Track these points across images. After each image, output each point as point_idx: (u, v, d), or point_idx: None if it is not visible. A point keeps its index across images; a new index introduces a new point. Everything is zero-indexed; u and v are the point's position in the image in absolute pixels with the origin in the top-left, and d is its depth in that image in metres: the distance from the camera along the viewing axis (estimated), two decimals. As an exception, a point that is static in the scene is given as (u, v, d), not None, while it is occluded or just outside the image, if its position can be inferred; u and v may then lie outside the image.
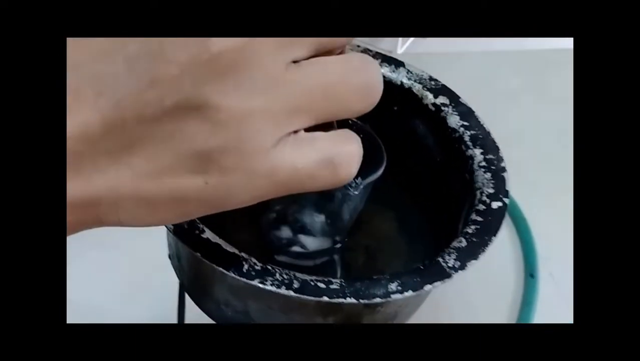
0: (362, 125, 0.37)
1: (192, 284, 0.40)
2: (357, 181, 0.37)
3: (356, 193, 0.36)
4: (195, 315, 0.51)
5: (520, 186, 0.75)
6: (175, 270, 0.42)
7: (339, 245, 0.39)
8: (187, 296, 0.47)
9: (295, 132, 0.25)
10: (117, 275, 0.63)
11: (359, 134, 0.36)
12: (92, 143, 0.24)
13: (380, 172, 0.36)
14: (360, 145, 0.28)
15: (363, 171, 0.36)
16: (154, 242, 0.45)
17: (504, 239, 0.72)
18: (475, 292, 0.67)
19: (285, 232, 0.39)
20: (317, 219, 0.39)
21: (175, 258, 0.41)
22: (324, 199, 0.37)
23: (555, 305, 0.65)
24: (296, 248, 0.39)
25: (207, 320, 0.51)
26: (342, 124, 0.36)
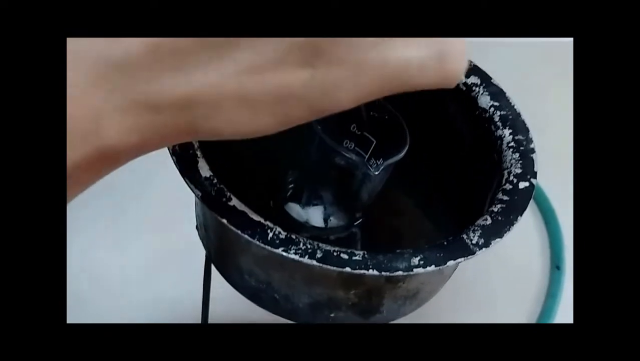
0: (386, 105, 0.37)
1: (217, 254, 0.41)
2: (377, 162, 0.37)
3: (376, 173, 0.36)
4: (220, 290, 0.52)
5: (549, 178, 0.74)
6: (202, 241, 0.42)
7: (357, 222, 0.39)
8: (213, 271, 0.48)
9: None
10: (145, 250, 0.64)
11: (383, 115, 0.37)
12: (195, 38, 0.23)
13: (401, 154, 0.36)
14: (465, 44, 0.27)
15: (384, 152, 0.36)
16: (181, 217, 0.45)
17: (531, 230, 0.71)
18: (500, 282, 0.66)
19: (304, 208, 0.39)
20: (336, 197, 0.39)
21: (202, 228, 0.41)
22: (344, 177, 0.37)
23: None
24: (315, 224, 0.39)
25: (231, 295, 0.52)
26: (368, 104, 0.36)
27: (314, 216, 0.39)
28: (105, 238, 0.64)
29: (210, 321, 0.56)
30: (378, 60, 0.24)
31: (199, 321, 0.56)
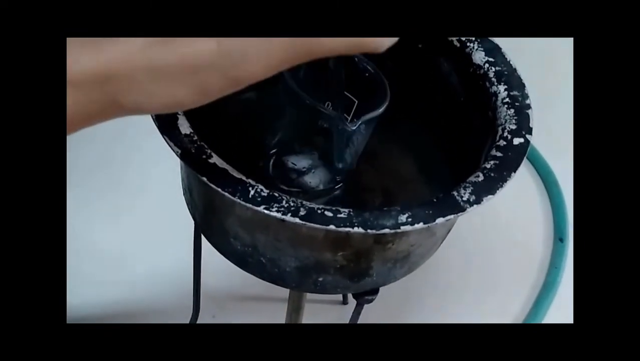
0: (366, 63, 0.35)
1: (202, 218, 0.39)
2: (354, 118, 0.36)
3: (353, 128, 0.34)
4: (209, 258, 0.51)
5: (554, 151, 0.73)
6: (188, 206, 0.41)
7: (339, 185, 0.38)
8: (205, 242, 0.47)
9: None
10: (136, 222, 0.63)
11: (363, 73, 0.35)
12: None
13: (380, 110, 0.34)
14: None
15: (367, 110, 0.35)
16: (172, 189, 0.44)
17: (535, 203, 0.70)
18: (504, 255, 0.65)
19: (285, 171, 0.38)
20: (319, 157, 0.38)
21: (188, 192, 0.40)
22: (324, 136, 0.36)
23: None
24: (297, 187, 0.38)
25: (221, 263, 0.51)
26: (348, 61, 0.34)
27: (297, 179, 0.38)
28: (100, 212, 0.63)
29: (202, 293, 0.55)
30: None
31: (191, 293, 0.55)
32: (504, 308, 0.61)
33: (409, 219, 0.31)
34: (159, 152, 0.59)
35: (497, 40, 0.40)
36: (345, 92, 0.35)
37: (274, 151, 0.38)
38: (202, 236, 0.45)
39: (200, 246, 0.49)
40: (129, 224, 0.63)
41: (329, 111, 0.34)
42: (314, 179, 0.38)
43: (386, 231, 0.31)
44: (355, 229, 0.31)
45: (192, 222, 0.47)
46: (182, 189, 0.41)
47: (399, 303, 0.60)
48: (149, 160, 0.66)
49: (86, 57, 0.25)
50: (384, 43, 0.26)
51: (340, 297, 0.60)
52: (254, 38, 0.24)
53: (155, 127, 0.33)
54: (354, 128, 0.34)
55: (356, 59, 0.35)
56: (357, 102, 0.35)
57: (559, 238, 0.66)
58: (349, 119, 0.36)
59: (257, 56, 0.25)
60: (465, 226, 0.65)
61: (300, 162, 0.37)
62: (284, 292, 0.49)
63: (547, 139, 0.71)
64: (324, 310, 0.59)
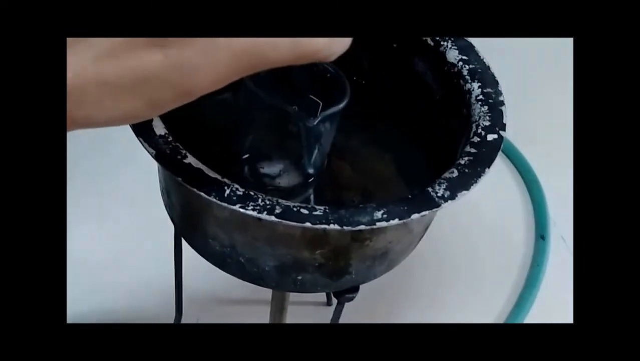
0: (327, 64, 0.36)
1: (181, 220, 0.39)
2: (306, 115, 0.36)
3: (314, 123, 0.35)
4: (191, 263, 0.51)
5: (534, 150, 0.73)
6: (166, 208, 0.41)
7: (311, 180, 0.38)
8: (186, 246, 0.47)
9: None
10: (116, 229, 0.63)
11: (325, 73, 0.36)
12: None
13: (340, 106, 0.35)
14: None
15: (327, 109, 0.35)
16: (151, 195, 0.44)
17: (516, 202, 0.71)
18: (485, 252, 0.66)
19: (257, 177, 0.38)
20: (287, 155, 0.38)
21: (165, 195, 0.40)
22: (290, 138, 0.36)
23: (565, 267, 0.63)
24: (270, 187, 0.38)
25: (203, 267, 0.51)
26: (309, 67, 0.35)
27: (270, 181, 0.38)
28: (79, 220, 0.63)
29: (185, 297, 0.55)
30: (226, 38, 0.24)
31: (173, 297, 0.55)
32: (487, 306, 0.61)
33: (384, 215, 0.32)
34: (136, 158, 0.59)
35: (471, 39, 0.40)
36: (310, 95, 0.36)
37: (246, 156, 0.38)
38: (182, 239, 0.45)
39: (181, 249, 0.49)
40: (108, 232, 0.63)
41: (289, 108, 0.35)
42: (286, 180, 0.38)
43: (362, 227, 0.31)
44: (332, 226, 0.31)
45: (172, 228, 0.48)
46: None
47: (382, 303, 0.61)
48: (127, 166, 0.65)
49: None
50: (334, 52, 0.26)
51: (323, 298, 0.60)
52: (198, 49, 0.24)
53: (129, 133, 0.33)
54: (315, 124, 0.34)
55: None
56: (321, 103, 0.35)
57: (540, 236, 0.66)
58: (318, 119, 0.37)
59: (205, 68, 0.25)
60: (448, 225, 0.66)
61: (271, 167, 0.38)
62: (267, 294, 0.49)
63: (527, 137, 0.72)
64: (308, 311, 0.59)
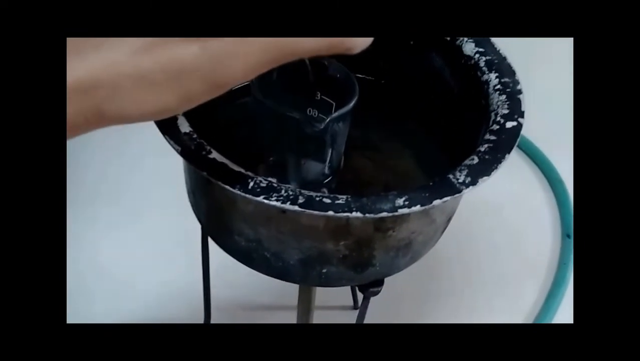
0: (336, 67, 0.37)
1: (207, 217, 0.40)
2: (323, 116, 0.37)
3: (322, 127, 0.36)
4: (217, 270, 0.51)
5: (559, 149, 0.73)
6: (192, 208, 0.42)
7: (327, 180, 0.39)
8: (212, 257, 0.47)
9: None
10: (142, 238, 0.63)
11: (335, 77, 0.37)
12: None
13: (350, 106, 0.36)
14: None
15: (335, 106, 0.36)
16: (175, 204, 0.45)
17: (541, 201, 0.70)
18: (511, 253, 0.65)
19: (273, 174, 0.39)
20: (303, 162, 0.39)
21: (192, 194, 0.41)
22: (303, 138, 0.37)
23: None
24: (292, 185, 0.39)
25: (229, 274, 0.51)
26: (320, 68, 0.36)
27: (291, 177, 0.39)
28: (105, 230, 0.64)
29: (212, 304, 0.56)
30: None
31: (200, 305, 0.56)
32: (516, 307, 0.61)
33: (406, 202, 0.32)
34: (160, 166, 0.60)
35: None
36: (323, 97, 0.36)
37: (268, 159, 0.39)
38: (209, 242, 0.46)
39: (208, 251, 0.49)
40: (134, 241, 0.63)
41: (298, 115, 0.36)
42: (303, 181, 0.39)
43: (384, 214, 0.32)
44: (354, 214, 0.32)
45: (198, 235, 0.48)
46: (186, 195, 0.42)
47: (409, 306, 0.60)
48: (152, 175, 0.67)
49: (71, 65, 0.25)
50: (358, 44, 0.27)
51: (350, 301, 0.60)
52: (232, 40, 0.25)
53: (154, 141, 0.34)
54: (326, 126, 0.35)
55: (326, 62, 0.36)
56: (334, 103, 0.36)
57: (567, 235, 0.66)
58: (331, 118, 0.38)
59: (236, 60, 0.25)
60: (473, 227, 0.66)
61: (288, 170, 0.38)
62: (293, 300, 0.50)
63: (549, 137, 0.72)
64: (334, 316, 0.59)
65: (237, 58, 0.25)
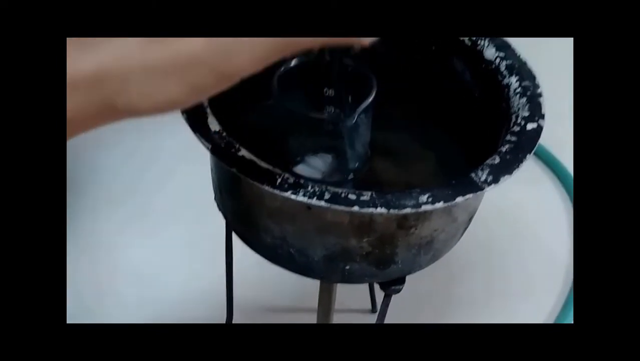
0: (353, 64, 0.38)
1: (233, 214, 0.41)
2: (342, 114, 0.38)
3: (352, 122, 0.37)
4: (239, 272, 0.52)
5: (571, 155, 0.74)
6: (218, 207, 0.43)
7: (351, 177, 0.40)
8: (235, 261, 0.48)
9: None
10: (168, 240, 0.65)
11: (353, 74, 0.38)
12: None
13: (370, 98, 0.37)
14: None
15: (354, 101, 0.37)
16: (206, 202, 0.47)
17: (559, 208, 0.71)
18: (533, 258, 0.66)
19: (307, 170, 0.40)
20: (329, 159, 0.40)
21: (218, 193, 0.42)
22: (330, 137, 0.39)
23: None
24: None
25: (251, 276, 0.52)
26: (334, 66, 0.37)
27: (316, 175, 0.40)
28: (132, 230, 0.65)
29: (234, 305, 0.57)
30: None
31: (222, 306, 0.57)
32: (538, 310, 0.62)
33: (430, 199, 0.33)
34: (186, 171, 0.62)
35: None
36: (341, 94, 0.38)
37: (292, 162, 0.40)
38: (233, 242, 0.47)
39: (232, 252, 0.51)
40: (160, 243, 0.65)
41: (321, 115, 0.37)
42: (328, 177, 0.40)
43: (408, 210, 0.33)
44: (379, 209, 0.33)
45: (221, 239, 0.49)
46: (213, 202, 0.43)
47: (431, 310, 0.61)
48: (178, 179, 0.68)
49: (82, 59, 0.26)
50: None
51: (368, 305, 0.61)
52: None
53: (184, 149, 0.35)
54: (353, 121, 0.37)
55: (344, 61, 0.37)
56: (349, 98, 0.38)
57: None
58: (347, 113, 0.39)
59: (243, 50, 0.26)
60: (495, 233, 0.67)
61: (313, 167, 0.39)
62: (313, 301, 0.51)
63: (565, 144, 0.73)
64: (353, 318, 0.60)
65: (243, 48, 0.26)
